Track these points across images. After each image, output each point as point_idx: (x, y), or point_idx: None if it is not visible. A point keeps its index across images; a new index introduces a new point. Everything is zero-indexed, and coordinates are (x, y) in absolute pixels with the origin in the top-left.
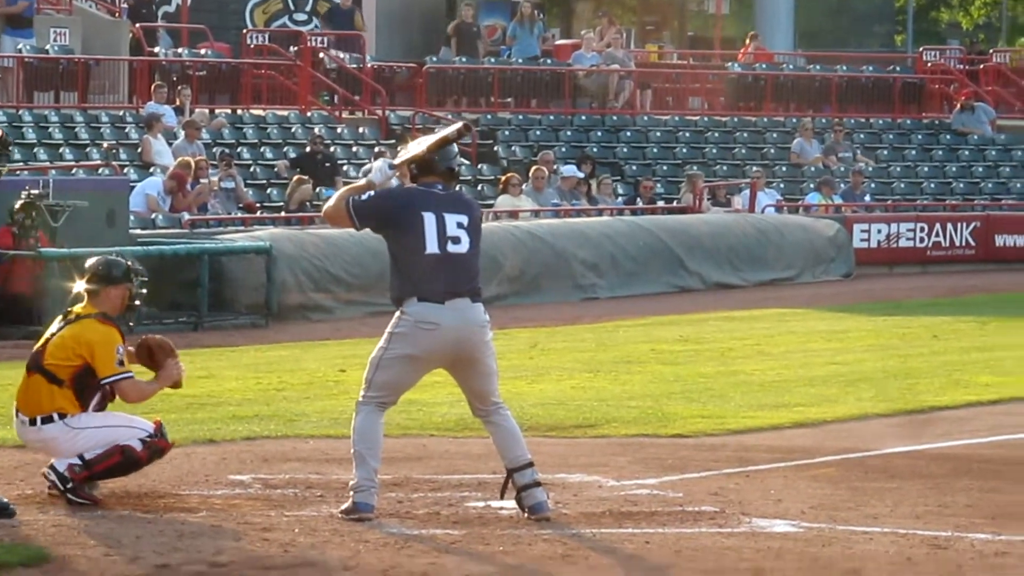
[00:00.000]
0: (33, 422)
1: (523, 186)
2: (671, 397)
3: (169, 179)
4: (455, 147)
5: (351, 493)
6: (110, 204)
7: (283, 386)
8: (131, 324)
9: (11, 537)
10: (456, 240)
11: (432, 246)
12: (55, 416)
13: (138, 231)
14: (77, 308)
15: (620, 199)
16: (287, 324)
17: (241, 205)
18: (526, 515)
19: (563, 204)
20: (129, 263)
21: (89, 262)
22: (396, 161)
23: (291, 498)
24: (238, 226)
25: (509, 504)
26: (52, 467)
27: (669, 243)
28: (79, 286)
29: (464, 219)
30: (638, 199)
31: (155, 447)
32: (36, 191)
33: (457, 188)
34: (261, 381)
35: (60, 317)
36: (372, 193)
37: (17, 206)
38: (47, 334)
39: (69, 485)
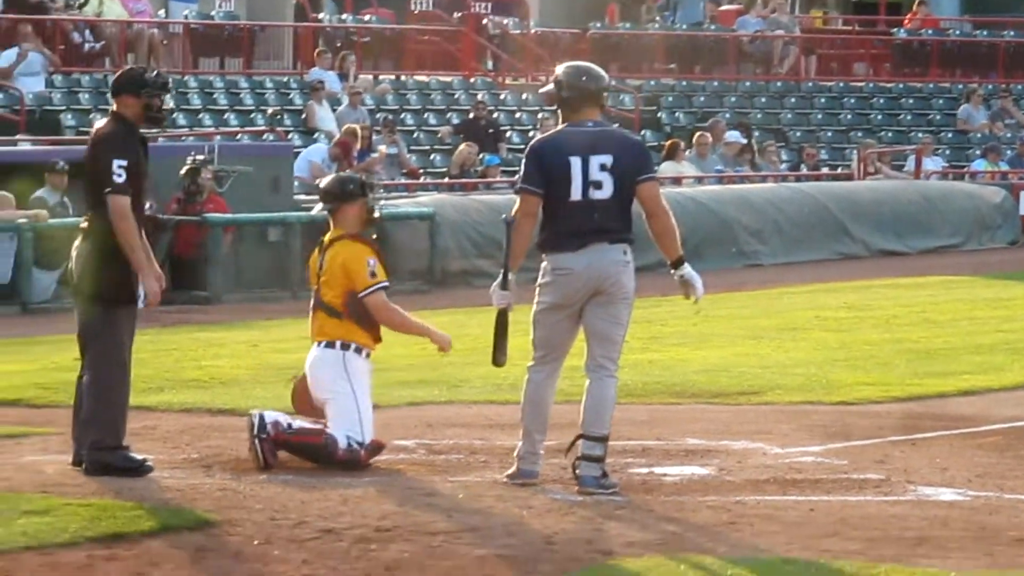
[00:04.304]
0: (318, 344)
1: (687, 152)
2: (835, 364)
3: (334, 147)
4: (601, 71)
5: (515, 458)
6: (275, 170)
7: None
8: (375, 236)
9: (177, 500)
10: (598, 185)
11: (576, 193)
12: (337, 344)
13: (302, 197)
14: (327, 236)
15: (784, 165)
16: (450, 290)
17: (404, 171)
18: (575, 483)
19: (727, 171)
20: (362, 178)
21: (322, 182)
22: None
23: (455, 463)
24: (401, 192)
25: (673, 470)
26: (261, 416)
27: (833, 210)
28: (317, 208)
29: (607, 159)
30: (802, 165)
31: (355, 457)
32: (201, 156)
33: (612, 125)
34: (426, 347)
35: (316, 249)
36: (524, 162)
37: (183, 171)
38: (315, 268)
39: (263, 436)
